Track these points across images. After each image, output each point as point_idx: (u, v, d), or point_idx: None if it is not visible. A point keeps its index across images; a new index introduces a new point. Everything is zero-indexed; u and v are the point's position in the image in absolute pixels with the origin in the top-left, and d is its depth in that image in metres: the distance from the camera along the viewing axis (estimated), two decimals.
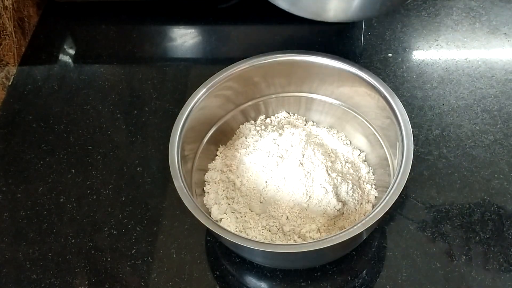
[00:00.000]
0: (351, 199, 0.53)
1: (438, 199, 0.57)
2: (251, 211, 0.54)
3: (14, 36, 0.73)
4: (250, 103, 0.60)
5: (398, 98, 0.51)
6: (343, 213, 0.53)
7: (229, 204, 0.54)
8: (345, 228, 0.45)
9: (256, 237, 0.51)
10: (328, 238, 0.44)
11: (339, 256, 0.53)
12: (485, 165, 0.59)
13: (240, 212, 0.53)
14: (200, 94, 0.54)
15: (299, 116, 0.62)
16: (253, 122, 0.61)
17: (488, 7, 0.75)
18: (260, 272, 0.54)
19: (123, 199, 0.60)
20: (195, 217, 0.46)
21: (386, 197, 0.45)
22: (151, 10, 0.79)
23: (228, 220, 0.53)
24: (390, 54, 0.71)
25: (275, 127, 0.60)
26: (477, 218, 0.55)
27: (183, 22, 0.78)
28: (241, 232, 0.52)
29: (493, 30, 0.72)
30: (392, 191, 0.46)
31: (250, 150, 0.57)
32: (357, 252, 0.54)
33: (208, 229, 0.48)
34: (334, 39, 0.73)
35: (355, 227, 0.44)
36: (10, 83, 0.72)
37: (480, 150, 0.60)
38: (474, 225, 0.55)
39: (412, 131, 0.49)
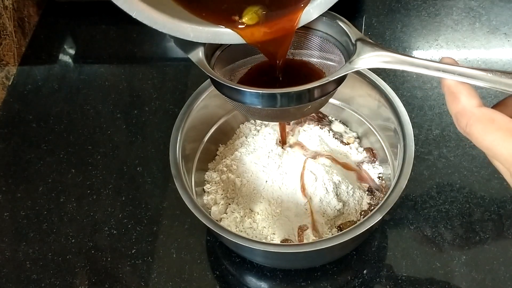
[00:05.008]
0: (351, 199, 0.53)
1: (438, 199, 0.57)
2: (251, 211, 0.54)
3: (14, 36, 0.73)
4: None
5: (398, 98, 0.51)
6: (343, 213, 0.53)
7: (229, 204, 0.54)
8: (345, 228, 0.45)
9: (256, 237, 0.51)
10: (328, 238, 0.44)
11: (339, 256, 0.53)
12: (485, 165, 0.59)
13: (240, 212, 0.53)
14: (200, 94, 0.54)
15: None
16: (253, 121, 0.61)
17: (488, 7, 0.75)
18: (260, 272, 0.54)
19: (123, 199, 0.60)
20: (196, 216, 0.46)
21: (386, 197, 0.45)
22: None
23: (228, 220, 0.53)
24: None
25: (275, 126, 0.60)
26: (477, 218, 0.55)
27: None
28: (241, 232, 0.52)
29: (493, 30, 0.72)
30: (392, 191, 0.46)
31: (250, 149, 0.57)
32: (357, 252, 0.54)
33: (208, 229, 0.48)
34: None
35: (355, 227, 0.44)
36: (10, 83, 0.72)
37: (480, 150, 0.59)
38: (474, 225, 0.55)
39: (412, 131, 0.49)
